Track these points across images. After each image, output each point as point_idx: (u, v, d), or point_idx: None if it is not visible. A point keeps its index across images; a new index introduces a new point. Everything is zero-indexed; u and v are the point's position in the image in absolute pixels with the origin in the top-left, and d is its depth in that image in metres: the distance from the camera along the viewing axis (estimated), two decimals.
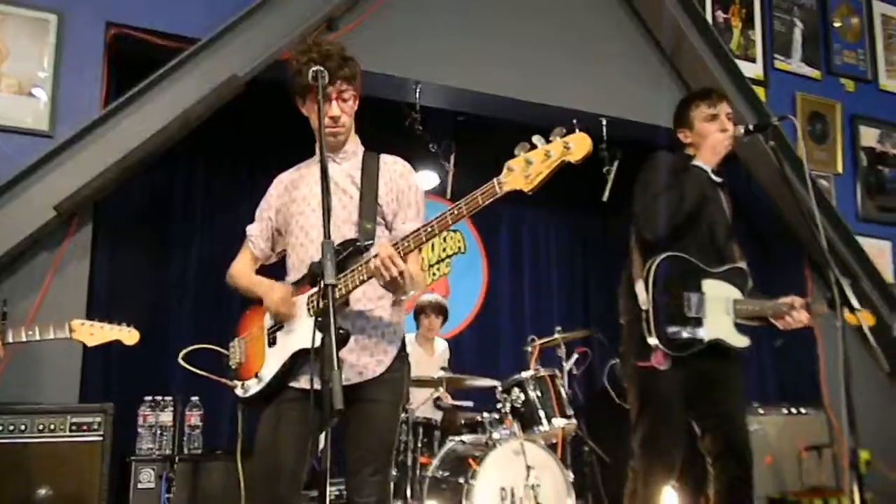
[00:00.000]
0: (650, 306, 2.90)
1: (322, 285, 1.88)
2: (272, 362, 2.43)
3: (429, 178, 5.39)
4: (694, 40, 4.94)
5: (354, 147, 2.57)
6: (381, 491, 2.39)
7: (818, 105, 5.87)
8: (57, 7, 3.81)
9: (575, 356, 4.65)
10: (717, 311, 2.97)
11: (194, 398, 4.18)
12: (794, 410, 4.98)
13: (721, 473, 3.00)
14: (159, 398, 4.03)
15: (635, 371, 3.01)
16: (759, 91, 5.36)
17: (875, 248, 5.67)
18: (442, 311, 5.18)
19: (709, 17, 5.36)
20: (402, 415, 3.64)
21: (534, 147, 2.07)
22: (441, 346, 5.24)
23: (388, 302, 2.46)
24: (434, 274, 6.18)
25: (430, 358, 5.06)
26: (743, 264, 3.13)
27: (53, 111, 3.75)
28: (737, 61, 5.13)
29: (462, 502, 3.65)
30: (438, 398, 4.43)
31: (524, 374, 4.21)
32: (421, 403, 4.38)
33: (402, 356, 2.49)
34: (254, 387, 2.45)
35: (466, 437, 4.13)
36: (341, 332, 2.28)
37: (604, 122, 4.89)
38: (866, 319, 2.60)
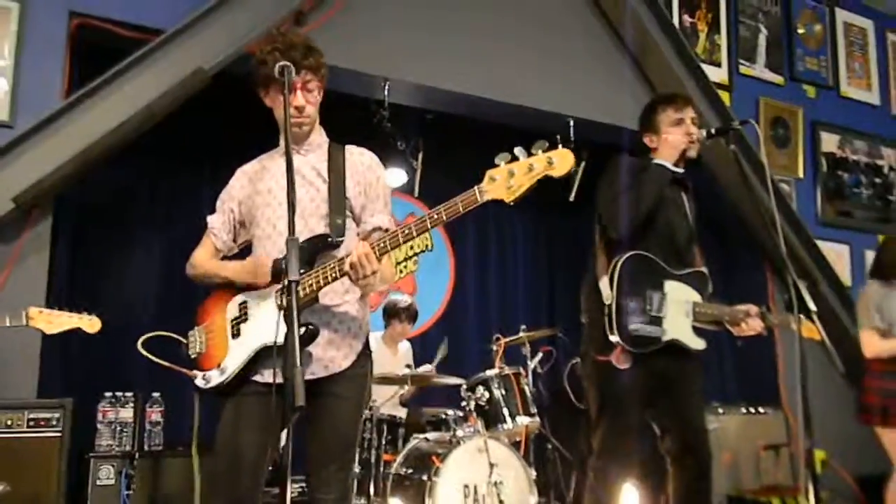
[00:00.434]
0: (613, 302, 2.93)
1: (286, 282, 1.87)
2: (236, 354, 2.40)
3: (396, 176, 5.38)
4: (661, 43, 5.00)
5: (319, 139, 2.55)
6: (343, 488, 2.38)
7: (781, 110, 5.97)
8: None
9: (539, 355, 4.69)
10: (676, 312, 3.01)
11: (155, 394, 4.14)
12: (753, 410, 5.06)
13: (680, 472, 3.05)
14: (119, 394, 3.98)
15: (595, 367, 3.04)
16: (724, 95, 5.44)
17: (834, 251, 5.80)
18: (415, 317, 5.19)
19: (675, 21, 5.43)
20: (366, 412, 3.65)
21: (514, 157, 2.09)
22: (404, 346, 5.24)
23: (355, 297, 2.46)
24: (401, 271, 6.18)
25: (393, 357, 5.05)
26: (704, 269, 3.17)
27: (14, 101, 3.69)
28: (702, 65, 5.20)
29: (425, 499, 3.66)
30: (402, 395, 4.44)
31: (489, 373, 4.23)
32: (385, 401, 4.38)
33: (366, 352, 2.48)
34: (216, 378, 2.42)
35: (430, 435, 4.14)
36: (311, 327, 2.27)
37: (571, 123, 4.93)
38: (810, 333, 2.67)
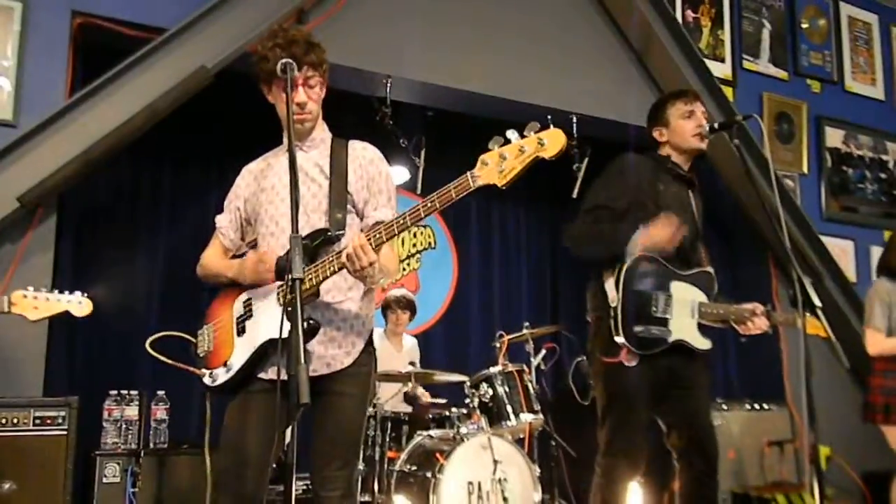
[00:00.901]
0: (619, 304, 2.93)
1: (289, 279, 1.87)
2: (241, 351, 2.41)
3: (399, 173, 5.38)
4: (664, 39, 4.98)
5: (322, 135, 2.55)
6: (348, 485, 2.38)
7: (784, 105, 5.95)
8: None
9: (543, 352, 4.68)
10: (682, 313, 3.01)
11: (160, 392, 4.15)
12: (757, 406, 5.05)
13: (686, 469, 3.04)
14: (125, 392, 3.99)
15: (602, 367, 3.03)
16: (728, 91, 5.43)
17: (838, 247, 5.78)
18: (409, 306, 5.17)
19: (679, 17, 5.41)
20: (370, 409, 3.65)
21: (507, 141, 2.07)
22: (409, 343, 5.24)
23: (358, 293, 2.45)
24: (404, 269, 6.17)
25: (398, 353, 5.05)
26: (710, 269, 3.17)
27: (17, 101, 3.69)
28: (706, 61, 5.19)
29: (429, 496, 3.66)
30: (414, 396, 4.44)
31: (492, 370, 4.22)
32: (389, 398, 4.38)
33: (369, 350, 2.48)
34: (222, 375, 2.43)
35: (434, 432, 4.14)
36: (311, 322, 2.27)
37: (574, 120, 4.92)
38: (815, 329, 2.66)
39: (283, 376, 1.79)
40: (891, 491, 4.14)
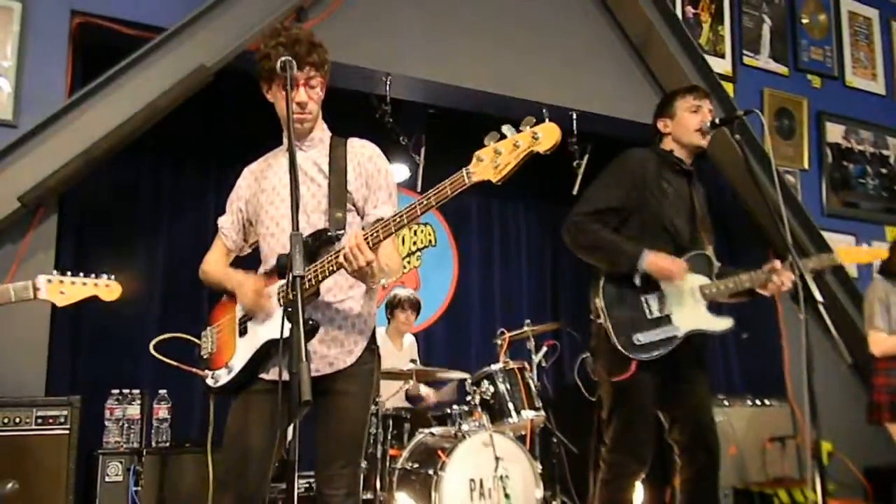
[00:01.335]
0: (609, 324, 2.93)
1: (290, 277, 1.87)
2: (242, 352, 2.42)
3: (399, 172, 5.38)
4: (664, 35, 4.98)
5: (321, 134, 2.54)
6: (351, 483, 2.38)
7: (785, 101, 5.95)
8: None
9: (544, 349, 4.68)
10: (683, 303, 2.99)
11: (162, 391, 4.15)
12: (758, 402, 5.05)
13: (688, 464, 3.04)
14: (126, 391, 4.00)
15: (610, 386, 3.02)
16: (728, 87, 5.43)
17: (839, 242, 5.76)
18: (417, 306, 5.19)
19: (679, 13, 5.41)
20: (372, 407, 3.65)
21: (503, 137, 2.06)
22: (409, 340, 5.24)
23: (360, 292, 2.45)
24: (405, 267, 6.17)
25: (398, 352, 5.06)
26: (708, 250, 3.14)
27: (17, 101, 3.69)
28: (706, 57, 5.19)
29: (431, 494, 3.66)
30: (419, 397, 4.45)
31: (493, 367, 4.22)
32: (391, 396, 4.38)
33: (371, 348, 2.47)
34: (224, 377, 2.43)
35: (436, 430, 4.14)
36: (311, 322, 2.27)
37: (574, 116, 4.92)
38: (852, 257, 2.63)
39: (285, 376, 1.79)
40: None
